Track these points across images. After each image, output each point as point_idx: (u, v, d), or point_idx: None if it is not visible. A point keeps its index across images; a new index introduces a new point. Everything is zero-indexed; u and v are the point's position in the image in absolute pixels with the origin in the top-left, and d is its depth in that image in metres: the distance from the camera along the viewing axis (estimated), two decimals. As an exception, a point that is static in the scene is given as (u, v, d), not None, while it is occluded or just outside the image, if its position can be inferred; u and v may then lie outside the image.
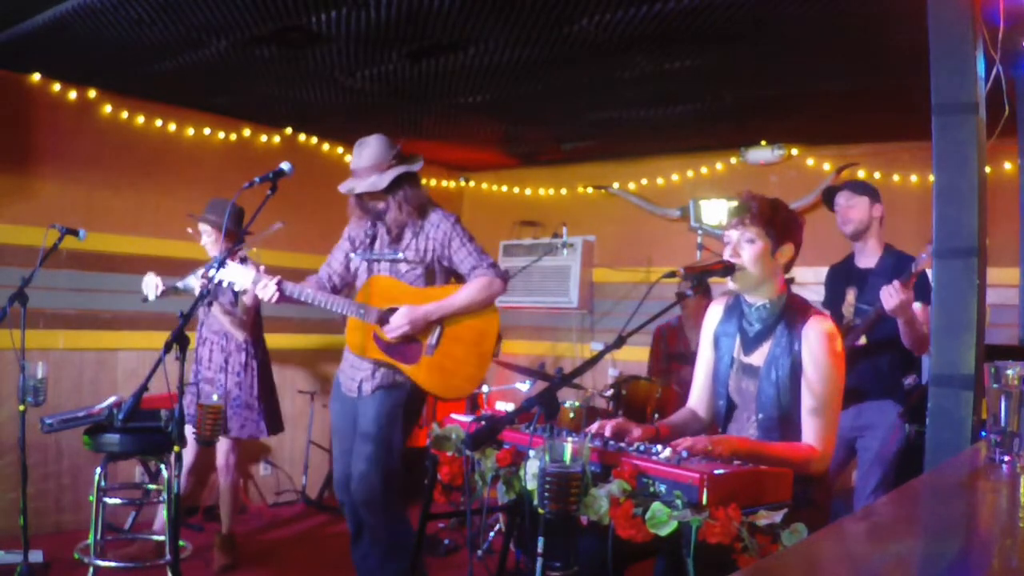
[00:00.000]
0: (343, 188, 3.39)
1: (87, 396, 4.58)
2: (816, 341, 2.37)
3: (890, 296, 3.14)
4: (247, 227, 3.04)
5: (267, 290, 3.20)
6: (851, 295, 3.47)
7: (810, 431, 2.34)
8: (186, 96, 5.02)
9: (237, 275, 3.23)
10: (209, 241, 4.20)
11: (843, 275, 3.61)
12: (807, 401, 2.36)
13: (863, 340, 3.40)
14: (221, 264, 3.10)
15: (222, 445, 4.20)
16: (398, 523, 3.29)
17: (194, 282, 4.07)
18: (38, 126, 4.61)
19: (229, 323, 4.10)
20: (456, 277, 3.43)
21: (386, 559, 3.28)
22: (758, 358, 2.46)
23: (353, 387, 3.36)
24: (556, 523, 1.99)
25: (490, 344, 3.38)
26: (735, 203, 2.48)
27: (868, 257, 3.53)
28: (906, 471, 3.27)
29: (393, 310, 3.26)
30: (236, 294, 4.10)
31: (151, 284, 3.97)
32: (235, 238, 4.13)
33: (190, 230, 4.24)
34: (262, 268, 3.32)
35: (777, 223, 2.42)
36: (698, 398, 2.67)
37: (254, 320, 4.24)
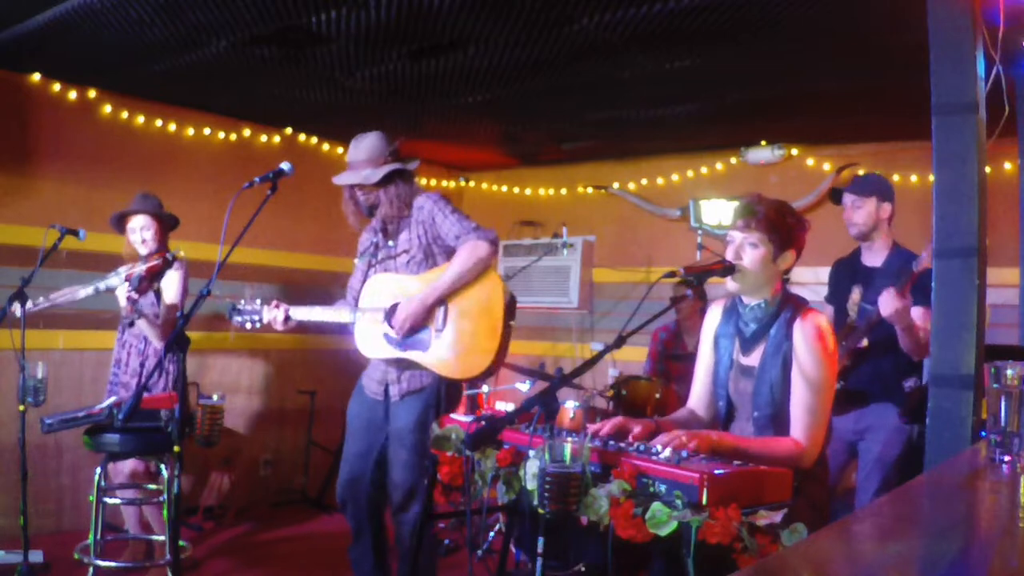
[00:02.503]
0: (337, 179, 3.40)
1: (87, 396, 4.57)
2: (808, 335, 2.37)
3: (887, 303, 3.13)
4: (246, 229, 3.02)
5: (276, 322, 3.38)
6: (856, 293, 3.45)
7: (797, 425, 2.35)
8: (186, 96, 5.02)
9: (253, 315, 3.40)
10: (148, 236, 3.93)
11: (849, 271, 3.58)
12: (796, 394, 2.36)
13: (865, 342, 3.39)
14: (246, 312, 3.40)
15: (130, 463, 3.89)
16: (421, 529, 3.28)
17: (115, 281, 3.96)
18: (38, 126, 4.61)
19: (153, 333, 3.86)
20: None
21: (403, 562, 3.28)
22: (755, 359, 2.47)
23: (379, 390, 3.34)
24: (556, 523, 1.99)
25: (498, 311, 3.21)
26: (742, 204, 2.47)
27: (875, 256, 3.51)
28: (909, 474, 3.26)
29: (396, 306, 3.26)
30: (159, 297, 3.91)
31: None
32: (167, 230, 4.06)
33: (137, 229, 3.95)
34: (274, 303, 3.40)
35: (782, 230, 2.42)
36: (698, 398, 2.67)
37: (172, 325, 3.92)
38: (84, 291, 3.90)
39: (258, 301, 3.41)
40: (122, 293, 3.70)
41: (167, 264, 3.79)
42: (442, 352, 3.23)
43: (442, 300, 3.23)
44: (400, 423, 3.26)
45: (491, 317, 3.22)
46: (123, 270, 3.98)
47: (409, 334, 3.23)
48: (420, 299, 3.20)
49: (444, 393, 3.28)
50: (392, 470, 3.27)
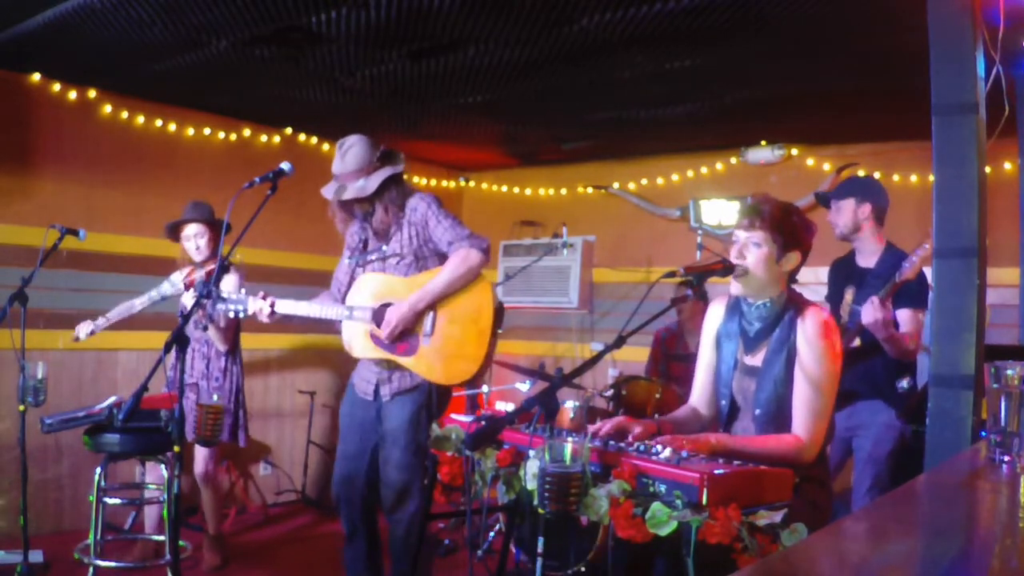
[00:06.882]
0: (327, 193, 3.35)
1: (87, 396, 4.57)
2: (809, 330, 2.37)
3: (868, 313, 3.13)
4: (246, 229, 3.02)
5: (261, 313, 3.27)
6: (849, 294, 3.45)
7: (799, 419, 2.35)
8: (186, 96, 5.02)
9: (238, 304, 3.29)
10: (202, 243, 4.04)
11: (844, 272, 3.59)
12: (797, 389, 2.36)
13: (857, 342, 3.39)
14: (219, 298, 3.23)
15: (200, 453, 4.12)
16: (416, 527, 3.27)
17: (168, 288, 4.02)
18: (38, 126, 4.61)
19: (218, 336, 4.03)
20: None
21: (397, 561, 3.28)
22: (759, 358, 2.47)
23: (369, 390, 3.33)
24: (556, 523, 1.99)
25: (487, 319, 3.25)
26: (747, 203, 2.47)
27: (868, 256, 3.51)
28: (901, 471, 3.27)
29: (387, 306, 3.25)
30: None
31: (84, 328, 3.92)
32: (220, 236, 4.06)
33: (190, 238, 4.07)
34: (261, 293, 3.33)
35: (786, 230, 2.41)
36: (699, 396, 2.67)
37: (235, 327, 4.16)
38: (140, 302, 3.98)
39: (243, 291, 3.36)
40: (189, 300, 3.77)
41: (224, 269, 3.85)
42: (428, 357, 3.24)
43: (432, 306, 3.24)
44: (392, 423, 3.25)
45: (479, 325, 3.25)
46: (176, 277, 4.06)
47: (397, 338, 3.23)
48: (411, 304, 3.20)
49: (436, 393, 3.28)
50: (384, 470, 3.26)
